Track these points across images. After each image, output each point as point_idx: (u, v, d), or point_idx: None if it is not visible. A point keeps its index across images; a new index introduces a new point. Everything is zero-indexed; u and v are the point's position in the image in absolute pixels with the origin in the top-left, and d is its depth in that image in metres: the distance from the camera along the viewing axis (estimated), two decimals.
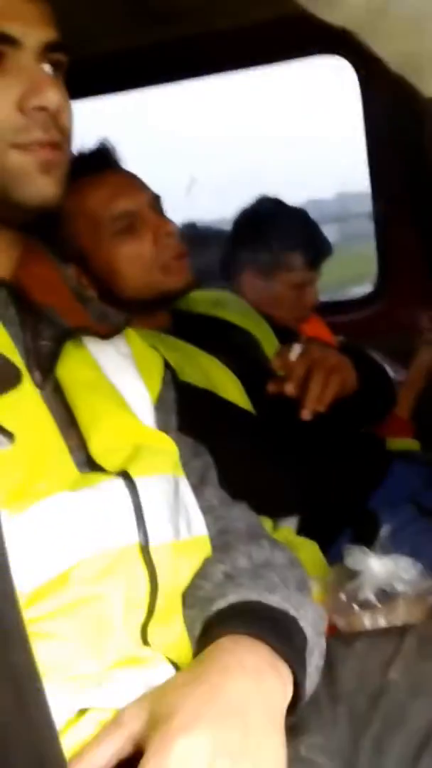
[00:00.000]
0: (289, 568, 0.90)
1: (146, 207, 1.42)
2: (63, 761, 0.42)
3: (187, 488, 0.91)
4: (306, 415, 1.33)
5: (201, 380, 1.36)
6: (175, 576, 0.84)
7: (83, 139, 1.46)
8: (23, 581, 0.71)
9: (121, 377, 0.93)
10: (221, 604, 0.81)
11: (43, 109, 0.84)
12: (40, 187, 0.85)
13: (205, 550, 0.90)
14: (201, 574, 0.87)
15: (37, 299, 0.89)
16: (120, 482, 0.81)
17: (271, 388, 1.38)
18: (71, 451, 0.81)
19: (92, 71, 1.95)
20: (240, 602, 0.80)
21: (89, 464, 0.82)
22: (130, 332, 1.01)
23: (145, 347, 1.03)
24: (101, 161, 1.44)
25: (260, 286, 1.94)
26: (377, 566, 1.15)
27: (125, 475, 0.82)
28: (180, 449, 0.92)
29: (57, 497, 0.75)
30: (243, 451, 1.29)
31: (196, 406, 1.25)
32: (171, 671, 0.79)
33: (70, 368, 0.87)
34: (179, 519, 0.86)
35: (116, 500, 0.80)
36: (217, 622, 0.79)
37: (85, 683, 0.73)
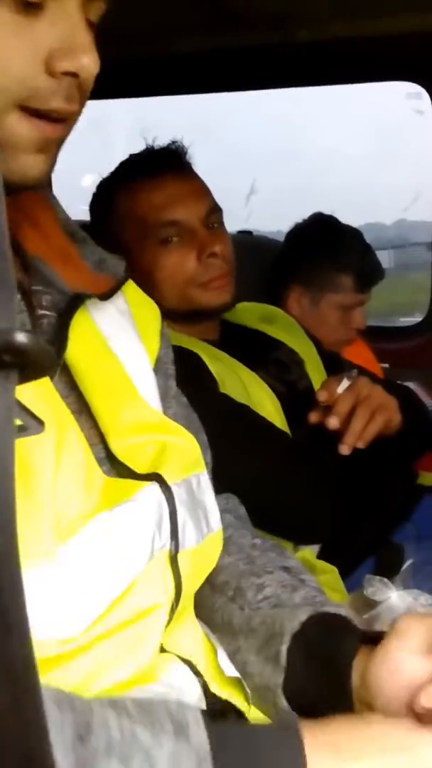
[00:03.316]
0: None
1: (197, 220, 1.38)
2: (52, 763, 0.41)
3: (206, 481, 0.85)
4: (345, 450, 1.31)
5: (240, 394, 1.34)
6: (194, 581, 0.81)
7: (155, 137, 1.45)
8: (83, 615, 0.66)
9: (120, 341, 0.82)
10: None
11: (73, 75, 0.68)
12: (27, 166, 0.70)
13: (218, 546, 0.86)
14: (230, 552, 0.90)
15: (28, 249, 0.77)
16: (156, 489, 0.75)
17: (313, 417, 1.35)
18: (91, 446, 0.72)
19: (163, 70, 1.94)
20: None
21: (110, 460, 0.75)
22: (128, 283, 0.88)
23: (142, 297, 0.91)
24: (163, 164, 1.41)
25: (306, 303, 1.92)
26: (397, 599, 1.14)
27: (160, 481, 0.75)
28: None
29: (94, 521, 0.68)
30: (274, 472, 1.27)
31: (231, 421, 1.23)
32: (185, 670, 0.76)
33: (73, 340, 0.75)
34: (200, 519, 0.81)
35: (154, 510, 0.74)
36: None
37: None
